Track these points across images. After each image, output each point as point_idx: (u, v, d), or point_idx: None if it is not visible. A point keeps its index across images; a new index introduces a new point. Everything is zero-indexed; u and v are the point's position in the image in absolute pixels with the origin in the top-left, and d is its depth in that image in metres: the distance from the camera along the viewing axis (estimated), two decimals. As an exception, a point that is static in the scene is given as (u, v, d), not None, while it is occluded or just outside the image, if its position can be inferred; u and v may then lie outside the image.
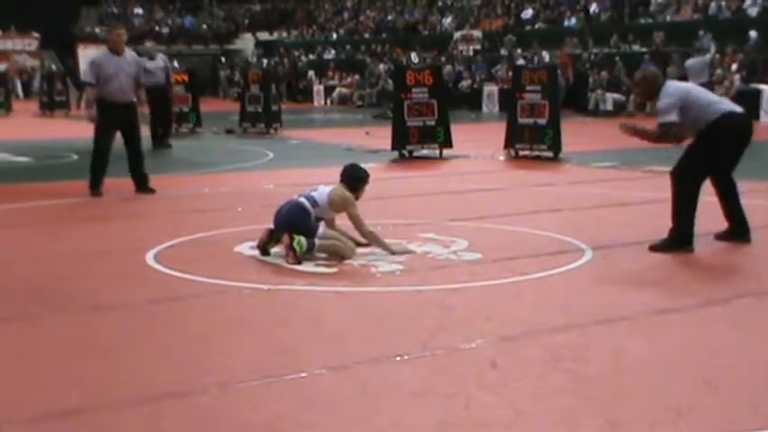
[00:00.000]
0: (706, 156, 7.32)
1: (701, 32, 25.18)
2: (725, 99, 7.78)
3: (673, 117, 7.20)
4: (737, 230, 7.57)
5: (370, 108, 30.49)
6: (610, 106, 25.97)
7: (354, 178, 7.28)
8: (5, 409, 4.04)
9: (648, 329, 5.23)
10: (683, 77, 20.57)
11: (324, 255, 6.99)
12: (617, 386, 4.30)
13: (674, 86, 7.46)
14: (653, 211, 8.84)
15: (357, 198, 7.22)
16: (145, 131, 12.21)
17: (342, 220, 7.31)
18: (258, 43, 44.47)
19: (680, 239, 7.21)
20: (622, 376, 4.44)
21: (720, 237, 7.60)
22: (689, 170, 7.30)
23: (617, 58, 26.90)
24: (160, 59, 17.59)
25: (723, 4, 27.22)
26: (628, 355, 4.74)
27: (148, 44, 19.16)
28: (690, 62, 21.06)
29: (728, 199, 7.57)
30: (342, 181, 7.28)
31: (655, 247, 7.20)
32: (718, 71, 23.44)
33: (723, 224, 7.65)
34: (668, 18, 28.53)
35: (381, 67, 33.14)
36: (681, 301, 5.85)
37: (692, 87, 7.76)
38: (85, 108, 10.68)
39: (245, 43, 46.41)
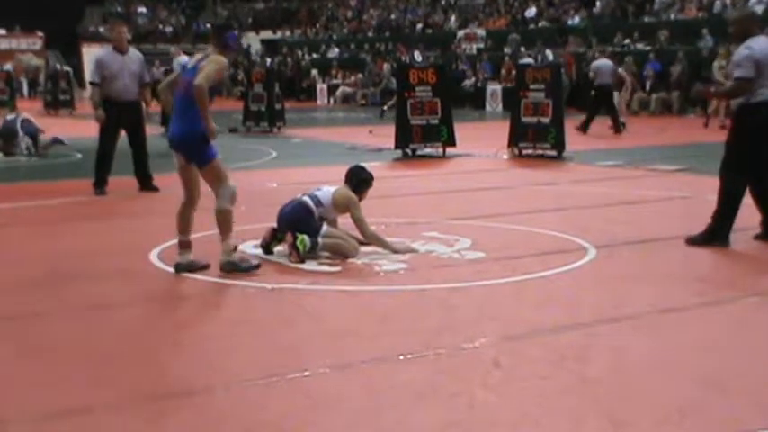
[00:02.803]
0: (741, 146, 7.20)
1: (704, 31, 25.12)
2: None
3: (748, 72, 6.99)
4: None
5: (374, 107, 30.45)
6: (613, 105, 25.88)
7: (359, 180, 7.29)
8: (8, 409, 4.04)
9: (653, 329, 5.21)
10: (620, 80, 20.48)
11: (327, 253, 6.99)
12: (621, 386, 4.29)
13: (762, 43, 7.12)
14: (657, 209, 8.83)
15: (361, 200, 7.22)
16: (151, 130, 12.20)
17: (343, 220, 7.31)
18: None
19: (717, 235, 7.24)
20: (627, 376, 4.43)
21: (759, 237, 7.51)
22: (730, 166, 7.27)
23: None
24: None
25: (728, 2, 27.14)
26: (632, 354, 4.73)
27: (173, 49, 18.56)
28: (596, 63, 20.41)
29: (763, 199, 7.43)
30: (346, 182, 7.29)
31: (692, 241, 7.25)
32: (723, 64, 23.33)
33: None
34: (672, 16, 28.49)
35: (385, 66, 33.04)
36: (685, 300, 5.84)
37: None
38: (92, 108, 10.68)
39: (250, 42, 46.40)
